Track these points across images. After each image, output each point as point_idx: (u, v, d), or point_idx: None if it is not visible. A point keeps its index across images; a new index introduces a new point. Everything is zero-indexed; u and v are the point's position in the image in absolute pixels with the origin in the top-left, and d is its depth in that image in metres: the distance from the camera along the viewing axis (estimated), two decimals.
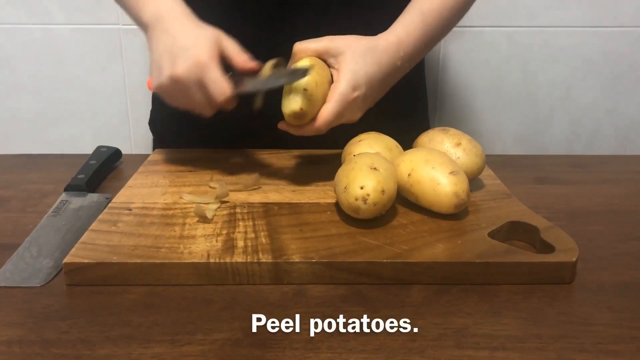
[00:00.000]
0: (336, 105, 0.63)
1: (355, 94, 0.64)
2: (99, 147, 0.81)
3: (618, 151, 1.27)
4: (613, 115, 1.25)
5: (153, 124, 0.93)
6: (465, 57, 1.20)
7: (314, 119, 0.63)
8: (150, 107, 0.94)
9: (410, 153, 0.62)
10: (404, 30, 0.68)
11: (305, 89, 0.61)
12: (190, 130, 0.82)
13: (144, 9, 0.68)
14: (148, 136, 0.95)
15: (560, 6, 1.16)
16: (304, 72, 0.61)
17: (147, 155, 0.80)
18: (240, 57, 0.63)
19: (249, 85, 0.63)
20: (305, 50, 0.65)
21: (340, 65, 0.64)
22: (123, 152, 0.84)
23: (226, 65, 0.64)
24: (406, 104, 0.89)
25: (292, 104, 0.62)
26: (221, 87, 0.61)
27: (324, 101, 0.63)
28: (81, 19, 1.17)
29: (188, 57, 0.61)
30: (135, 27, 1.15)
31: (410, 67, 0.72)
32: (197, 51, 0.61)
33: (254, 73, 0.64)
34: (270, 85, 0.63)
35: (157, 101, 0.93)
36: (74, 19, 1.17)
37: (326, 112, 0.63)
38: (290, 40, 0.66)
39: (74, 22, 1.17)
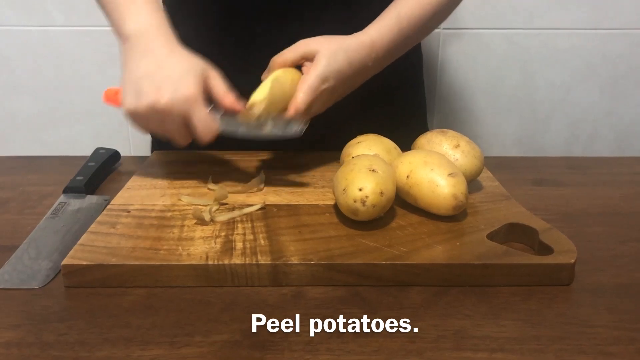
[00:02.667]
0: (304, 95, 0.63)
1: (324, 86, 0.65)
2: (97, 149, 0.81)
3: (616, 153, 1.28)
4: (611, 117, 1.26)
5: None
6: (463, 59, 1.20)
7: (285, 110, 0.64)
8: None
9: (408, 155, 0.62)
10: (377, 33, 0.69)
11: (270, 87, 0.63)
12: None
13: (128, 20, 0.66)
14: (146, 138, 0.95)
15: (559, 8, 1.17)
16: (300, 129, 0.63)
17: (146, 157, 0.80)
18: (228, 98, 0.63)
19: (239, 128, 0.63)
20: (284, 62, 0.66)
21: (313, 63, 0.65)
22: (122, 154, 0.83)
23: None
24: (405, 106, 0.89)
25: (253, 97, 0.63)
26: (208, 126, 0.61)
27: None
28: (80, 21, 1.17)
29: (176, 90, 0.59)
30: None
31: (381, 68, 0.72)
32: (185, 84, 0.59)
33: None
34: (262, 135, 0.63)
35: None
36: (73, 20, 1.17)
37: (298, 101, 0.63)
38: (286, 37, 0.66)
39: (73, 24, 1.17)
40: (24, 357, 0.42)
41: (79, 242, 0.54)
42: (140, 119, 0.62)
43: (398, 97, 0.85)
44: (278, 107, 0.64)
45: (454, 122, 1.24)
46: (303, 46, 0.66)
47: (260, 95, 0.63)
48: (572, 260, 0.52)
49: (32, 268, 0.54)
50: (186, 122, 0.61)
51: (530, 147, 1.27)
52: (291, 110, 0.64)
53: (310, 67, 0.65)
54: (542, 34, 1.19)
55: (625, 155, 1.26)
